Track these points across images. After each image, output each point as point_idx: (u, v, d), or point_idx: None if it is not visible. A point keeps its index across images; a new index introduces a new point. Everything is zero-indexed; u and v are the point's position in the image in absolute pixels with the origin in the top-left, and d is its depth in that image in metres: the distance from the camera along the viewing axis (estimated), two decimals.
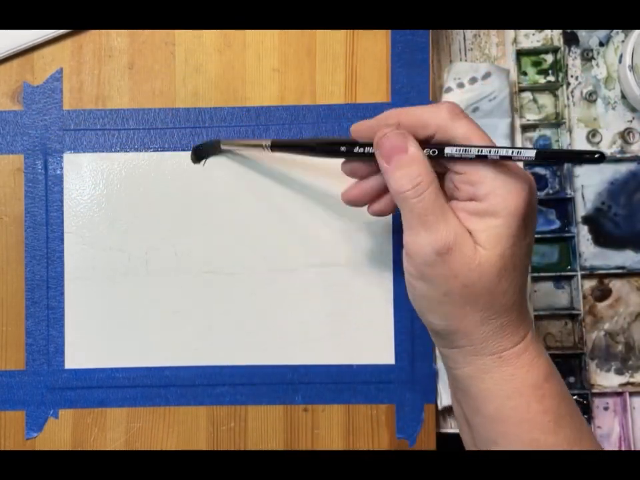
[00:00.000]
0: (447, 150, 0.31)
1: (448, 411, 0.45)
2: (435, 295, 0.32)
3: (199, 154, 0.43)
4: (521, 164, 0.32)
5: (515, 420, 0.32)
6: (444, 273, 0.31)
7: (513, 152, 0.30)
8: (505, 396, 0.32)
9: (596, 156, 0.27)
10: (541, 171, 0.47)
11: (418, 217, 0.31)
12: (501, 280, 0.31)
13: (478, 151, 0.30)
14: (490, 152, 0.30)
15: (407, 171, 0.31)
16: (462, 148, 0.31)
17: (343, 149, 0.34)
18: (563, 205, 0.47)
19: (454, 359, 0.33)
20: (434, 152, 0.32)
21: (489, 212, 0.31)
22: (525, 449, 0.31)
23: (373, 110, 0.44)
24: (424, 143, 0.32)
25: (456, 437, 0.45)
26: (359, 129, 0.34)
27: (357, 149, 0.34)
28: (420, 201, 0.31)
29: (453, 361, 0.34)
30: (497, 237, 0.30)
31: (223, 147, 0.43)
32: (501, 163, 0.30)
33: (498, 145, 0.45)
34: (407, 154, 0.32)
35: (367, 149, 0.34)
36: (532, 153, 0.29)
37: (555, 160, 0.31)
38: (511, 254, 0.31)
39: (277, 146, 0.38)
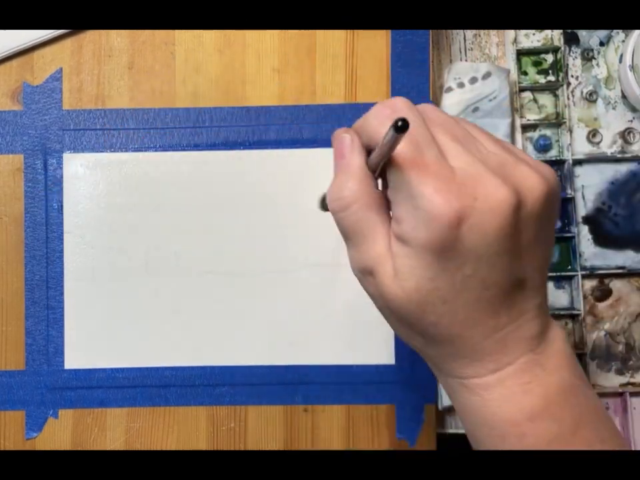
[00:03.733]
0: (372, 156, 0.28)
1: (448, 411, 0.45)
2: (377, 307, 0.30)
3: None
4: (468, 179, 0.27)
5: (491, 446, 0.29)
6: (371, 291, 0.29)
7: None
8: (476, 423, 0.29)
9: (399, 124, 0.23)
10: None
11: (341, 231, 0.29)
12: (424, 313, 0.27)
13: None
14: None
15: (337, 180, 0.29)
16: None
17: None
18: (563, 204, 0.47)
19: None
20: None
21: (402, 238, 0.27)
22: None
23: None
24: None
25: (456, 437, 0.45)
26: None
27: None
28: (342, 218, 0.28)
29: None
30: (411, 268, 0.27)
31: None
32: (426, 181, 0.26)
33: None
34: (344, 160, 0.29)
35: None
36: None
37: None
38: (431, 287, 0.27)
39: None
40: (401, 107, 0.28)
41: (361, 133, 0.29)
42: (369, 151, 0.29)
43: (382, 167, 0.28)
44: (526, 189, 0.27)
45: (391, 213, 0.28)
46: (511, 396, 0.28)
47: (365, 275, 0.29)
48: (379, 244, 0.28)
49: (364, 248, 0.28)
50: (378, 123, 0.28)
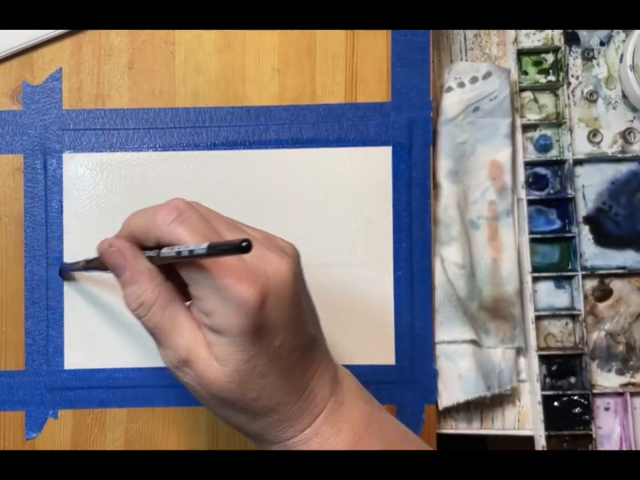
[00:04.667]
0: (163, 251, 0.29)
1: (448, 411, 0.45)
2: (196, 397, 0.31)
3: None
4: (266, 262, 0.29)
5: None
6: (189, 382, 0.30)
7: (184, 250, 0.27)
8: None
9: (243, 244, 0.25)
10: (541, 170, 0.47)
11: (149, 332, 0.31)
12: (246, 390, 0.30)
13: (175, 252, 0.28)
14: (181, 252, 0.28)
15: (130, 290, 0.30)
16: (167, 249, 0.29)
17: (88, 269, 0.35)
18: (563, 204, 0.46)
19: None
20: (155, 253, 0.30)
21: (214, 329, 0.29)
22: None
23: (373, 110, 0.44)
24: (152, 249, 0.31)
25: (456, 437, 0.45)
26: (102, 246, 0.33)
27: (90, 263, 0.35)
28: (147, 320, 0.30)
29: None
30: (229, 354, 0.29)
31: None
32: (223, 273, 0.28)
33: (497, 145, 0.45)
34: (127, 271, 0.30)
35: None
36: (203, 249, 0.27)
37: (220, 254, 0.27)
38: (250, 367, 0.29)
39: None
40: (183, 207, 0.30)
41: (141, 232, 0.31)
42: (143, 246, 0.31)
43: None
44: (295, 255, 0.31)
45: (192, 304, 0.30)
46: (327, 441, 0.31)
47: (181, 367, 0.30)
48: (185, 335, 0.30)
49: (173, 342, 0.30)
50: (167, 227, 0.29)
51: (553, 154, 0.47)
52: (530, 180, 0.47)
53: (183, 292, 0.31)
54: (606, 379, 0.46)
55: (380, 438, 0.32)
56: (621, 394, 0.46)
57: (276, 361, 0.30)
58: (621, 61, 0.46)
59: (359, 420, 0.32)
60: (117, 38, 0.44)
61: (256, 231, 0.32)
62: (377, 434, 0.32)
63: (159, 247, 0.30)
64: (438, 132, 0.45)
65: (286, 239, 0.43)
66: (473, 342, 0.44)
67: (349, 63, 0.44)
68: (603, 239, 0.47)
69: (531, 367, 0.45)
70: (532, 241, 0.46)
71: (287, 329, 0.30)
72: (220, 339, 0.29)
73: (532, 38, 0.47)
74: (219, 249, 0.26)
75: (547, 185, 0.47)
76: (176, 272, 0.30)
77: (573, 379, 0.46)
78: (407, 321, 0.43)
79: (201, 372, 0.29)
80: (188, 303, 0.31)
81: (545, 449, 0.44)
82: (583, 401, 0.45)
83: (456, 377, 0.44)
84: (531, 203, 0.46)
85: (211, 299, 0.29)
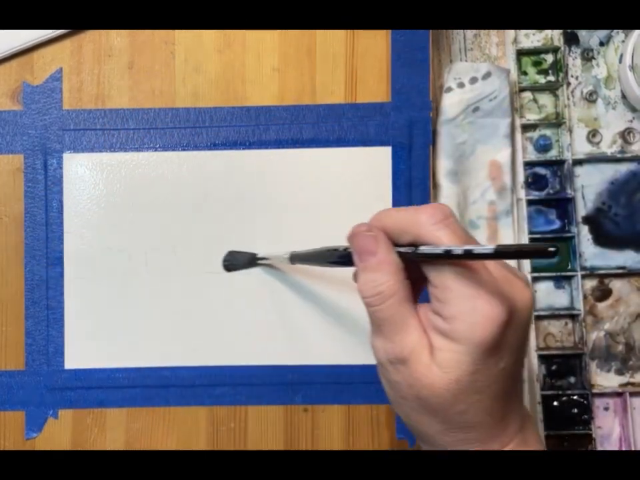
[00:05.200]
0: (422, 248, 0.29)
1: None
2: (393, 395, 0.31)
3: (230, 264, 0.44)
4: (519, 280, 0.30)
5: None
6: (397, 379, 0.30)
7: (474, 249, 0.27)
8: None
9: (550, 249, 0.25)
10: (541, 170, 0.47)
11: (374, 323, 0.31)
12: (456, 402, 0.29)
13: (444, 251, 0.28)
14: (452, 250, 0.27)
15: (371, 277, 0.30)
16: (430, 247, 0.29)
17: (341, 249, 0.34)
18: (563, 204, 0.47)
19: None
20: (409, 249, 0.30)
21: (450, 335, 0.28)
22: None
23: (372, 110, 0.44)
24: (404, 246, 0.30)
25: None
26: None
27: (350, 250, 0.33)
28: (378, 310, 0.30)
29: None
30: (456, 362, 0.28)
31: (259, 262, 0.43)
32: (476, 283, 0.28)
33: (497, 145, 0.45)
34: (375, 257, 0.30)
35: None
36: (490, 249, 0.26)
37: (513, 257, 0.28)
38: (471, 380, 0.29)
39: (294, 259, 0.39)
40: (448, 212, 0.30)
41: (398, 228, 0.30)
42: (395, 242, 0.31)
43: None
44: (512, 305, 0.30)
45: (430, 306, 0.30)
46: None
47: (395, 364, 0.30)
48: (413, 334, 0.30)
49: (397, 338, 0.30)
50: (432, 227, 0.29)
51: (552, 154, 0.47)
52: (529, 180, 0.47)
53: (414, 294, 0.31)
54: (605, 379, 0.46)
55: None
56: (620, 394, 0.46)
57: (494, 382, 0.29)
58: (620, 61, 0.46)
59: None
60: (117, 38, 0.44)
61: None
62: None
63: (413, 245, 0.30)
64: (438, 132, 0.45)
65: (286, 238, 0.44)
66: None
67: (349, 63, 0.44)
68: (603, 239, 0.47)
69: (530, 367, 0.45)
70: (531, 241, 0.46)
71: (514, 354, 0.30)
72: (451, 345, 0.29)
73: (531, 38, 0.47)
74: (518, 252, 0.27)
75: (547, 185, 0.47)
76: (410, 273, 0.30)
77: (572, 379, 0.46)
78: None
79: (417, 373, 0.29)
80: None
81: (545, 449, 0.44)
82: (582, 400, 0.45)
83: None
84: (530, 203, 0.46)
85: (459, 305, 0.28)
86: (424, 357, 0.29)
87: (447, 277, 0.29)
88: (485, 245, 0.27)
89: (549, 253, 0.25)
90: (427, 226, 0.29)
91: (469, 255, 0.27)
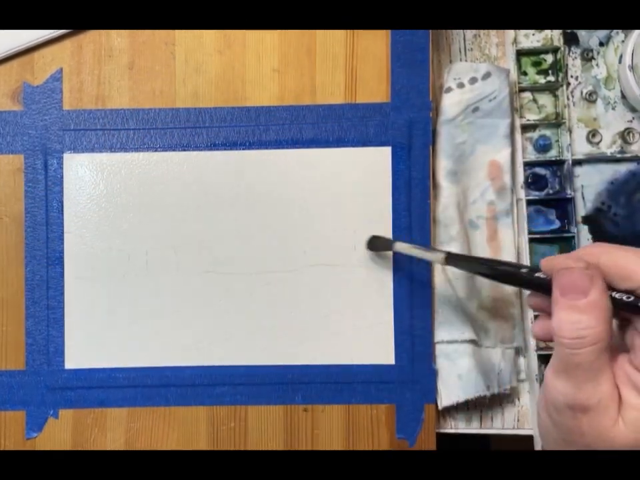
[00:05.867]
0: None
1: (448, 410, 0.45)
2: (556, 435, 0.30)
3: (375, 245, 0.43)
4: None
5: None
6: (570, 425, 0.29)
7: None
8: None
9: None
10: (540, 170, 0.47)
11: (564, 364, 0.28)
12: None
13: None
14: None
15: (576, 318, 0.27)
16: None
17: (524, 271, 0.31)
18: (563, 205, 0.47)
19: None
20: (628, 297, 0.27)
21: None
22: None
23: (372, 110, 0.44)
24: (621, 291, 0.28)
25: (456, 437, 0.45)
26: (550, 263, 0.30)
27: (537, 274, 0.31)
28: (577, 355, 0.28)
29: None
30: None
31: (395, 250, 0.42)
32: None
33: (497, 145, 0.45)
34: (586, 299, 0.27)
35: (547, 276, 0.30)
36: None
37: None
38: None
39: (452, 260, 0.36)
40: None
41: (617, 271, 0.28)
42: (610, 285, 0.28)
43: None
44: None
45: (630, 359, 0.28)
46: None
47: (576, 411, 0.28)
48: (605, 386, 0.28)
49: (588, 387, 0.28)
50: None
51: (552, 154, 0.47)
52: (529, 180, 0.47)
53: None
54: None
55: None
56: None
57: None
58: (620, 61, 0.46)
59: None
60: (117, 38, 0.44)
61: None
62: None
63: (632, 293, 0.28)
64: (437, 132, 0.45)
65: (286, 238, 0.44)
66: (473, 342, 0.44)
67: (349, 63, 0.44)
68: (602, 239, 0.47)
69: (530, 367, 0.46)
70: (531, 241, 0.46)
71: None
72: None
73: (531, 38, 0.47)
74: None
75: (546, 185, 0.47)
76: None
77: None
78: (407, 321, 0.43)
79: (600, 426, 0.28)
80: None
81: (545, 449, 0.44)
82: None
83: (455, 377, 0.44)
84: (530, 203, 0.46)
85: None
86: (611, 411, 0.28)
87: None
88: None
89: None
90: None
91: None
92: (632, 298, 0.27)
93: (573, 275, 0.28)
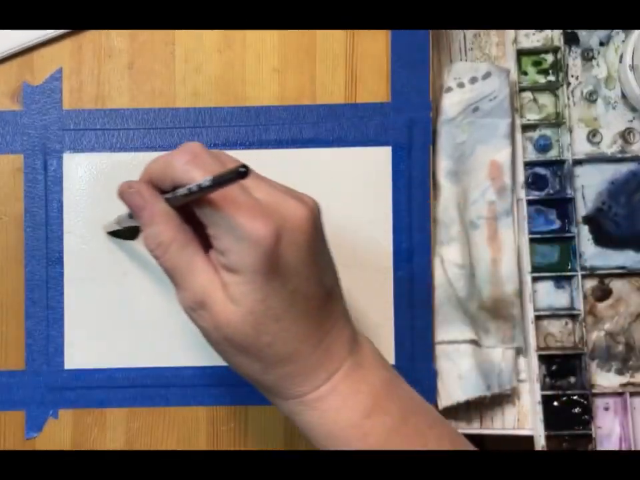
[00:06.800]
0: (178, 191, 0.30)
1: (448, 411, 0.45)
2: (210, 342, 0.32)
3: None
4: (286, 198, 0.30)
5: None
6: (204, 325, 0.31)
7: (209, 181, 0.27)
8: (322, 437, 0.32)
9: (241, 169, 0.25)
10: (541, 170, 0.47)
11: (167, 273, 0.31)
12: (259, 334, 0.30)
13: (195, 187, 0.28)
14: (202, 183, 0.28)
15: (150, 230, 0.31)
16: (185, 187, 0.29)
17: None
18: (563, 204, 0.47)
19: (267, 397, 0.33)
20: (172, 194, 0.31)
21: (230, 268, 0.29)
22: None
23: (372, 110, 0.44)
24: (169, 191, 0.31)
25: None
26: (119, 191, 0.33)
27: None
28: (165, 260, 0.31)
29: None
30: (244, 293, 0.29)
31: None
32: (235, 212, 0.28)
33: (497, 145, 0.45)
34: (146, 211, 0.31)
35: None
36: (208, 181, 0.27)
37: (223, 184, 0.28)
38: (264, 308, 0.29)
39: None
40: (199, 150, 0.31)
41: (159, 176, 0.31)
42: (162, 189, 0.32)
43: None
44: (316, 207, 0.31)
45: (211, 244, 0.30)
46: (345, 400, 0.31)
47: (197, 309, 0.30)
48: (201, 276, 0.30)
49: (190, 283, 0.30)
50: (183, 168, 0.30)
51: (552, 154, 0.47)
52: (529, 180, 0.47)
53: (205, 240, 0.31)
54: (605, 379, 0.46)
55: (399, 405, 0.32)
56: (620, 394, 0.46)
57: (290, 305, 0.30)
58: (620, 61, 0.46)
59: (379, 385, 0.32)
60: (117, 38, 0.44)
61: (276, 183, 0.32)
62: (395, 401, 0.32)
63: (176, 189, 0.31)
64: (437, 132, 0.45)
65: None
66: (473, 342, 0.44)
67: (349, 63, 0.44)
68: (603, 239, 0.47)
69: (530, 367, 0.46)
70: (531, 241, 0.46)
71: (301, 274, 0.30)
72: (235, 277, 0.29)
73: (531, 38, 0.47)
74: (222, 179, 0.27)
75: (547, 185, 0.47)
76: (196, 218, 0.31)
77: (572, 379, 0.46)
78: (407, 321, 0.43)
79: (216, 313, 0.30)
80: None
81: (545, 449, 0.44)
82: (582, 400, 0.45)
83: (456, 377, 0.44)
84: (530, 203, 0.46)
85: (226, 237, 0.29)
86: (218, 295, 0.29)
87: (210, 213, 0.29)
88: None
89: (240, 173, 0.25)
90: (178, 168, 0.30)
91: (218, 184, 0.27)
92: (173, 193, 0.30)
93: (128, 198, 0.32)
